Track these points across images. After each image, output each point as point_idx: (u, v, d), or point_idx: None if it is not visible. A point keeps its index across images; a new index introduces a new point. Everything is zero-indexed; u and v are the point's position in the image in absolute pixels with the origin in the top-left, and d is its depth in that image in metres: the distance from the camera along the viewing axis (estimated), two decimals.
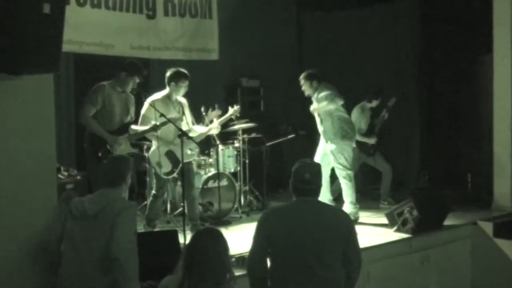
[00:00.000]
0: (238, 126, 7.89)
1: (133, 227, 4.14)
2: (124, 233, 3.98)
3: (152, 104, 6.14)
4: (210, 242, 3.29)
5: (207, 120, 7.25)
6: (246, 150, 8.16)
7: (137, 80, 6.05)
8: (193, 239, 3.38)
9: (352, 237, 3.92)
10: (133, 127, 6.19)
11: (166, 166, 6.42)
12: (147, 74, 8.38)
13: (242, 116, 7.97)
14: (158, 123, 6.10)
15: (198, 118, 7.34)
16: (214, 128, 6.84)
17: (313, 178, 3.89)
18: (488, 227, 6.93)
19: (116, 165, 4.38)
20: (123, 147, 5.96)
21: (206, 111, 7.33)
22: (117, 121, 5.98)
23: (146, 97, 6.23)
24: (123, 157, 4.64)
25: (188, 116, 6.63)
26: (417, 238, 6.41)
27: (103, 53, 7.21)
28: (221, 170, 7.48)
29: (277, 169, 8.58)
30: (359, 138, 8.07)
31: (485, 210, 7.61)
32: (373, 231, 6.64)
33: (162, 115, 5.98)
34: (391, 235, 6.45)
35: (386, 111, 8.18)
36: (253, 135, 8.28)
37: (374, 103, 8.24)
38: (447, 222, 6.87)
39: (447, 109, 9.59)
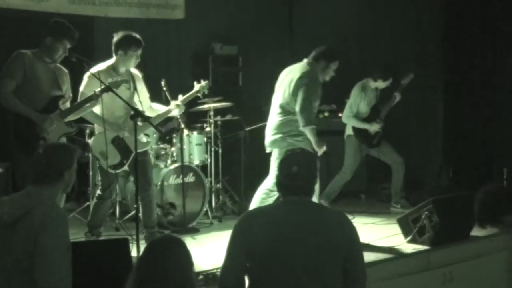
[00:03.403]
0: (209, 105, 7.85)
1: (63, 245, 3.95)
2: (53, 258, 3.81)
3: (95, 75, 6.06)
4: (169, 255, 3.27)
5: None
6: (219, 137, 8.14)
7: (68, 45, 5.96)
8: (146, 250, 3.36)
9: (355, 249, 3.93)
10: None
11: (114, 157, 6.35)
12: (91, 39, 8.35)
13: (214, 93, 7.93)
14: (97, 90, 6.00)
15: (158, 95, 7.29)
16: (175, 108, 6.74)
17: (302, 172, 3.89)
18: None
19: (51, 156, 4.19)
20: (55, 127, 5.88)
21: (168, 85, 7.28)
22: (44, 98, 5.90)
23: (90, 66, 6.16)
24: (62, 146, 4.50)
25: (143, 93, 6.56)
26: (437, 251, 6.42)
27: (33, 8, 7.13)
28: (186, 162, 7.45)
29: (259, 161, 8.53)
30: (357, 124, 8.09)
31: None
32: (382, 241, 6.66)
33: (106, 87, 5.89)
34: (405, 246, 6.47)
35: (399, 91, 8.19)
36: (229, 117, 8.26)
37: (380, 84, 8.19)
38: (476, 230, 6.91)
39: (477, 87, 9.64)
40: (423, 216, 6.45)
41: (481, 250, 6.82)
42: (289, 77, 6.66)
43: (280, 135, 6.60)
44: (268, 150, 6.73)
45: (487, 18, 9.39)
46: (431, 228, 6.40)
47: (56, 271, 3.81)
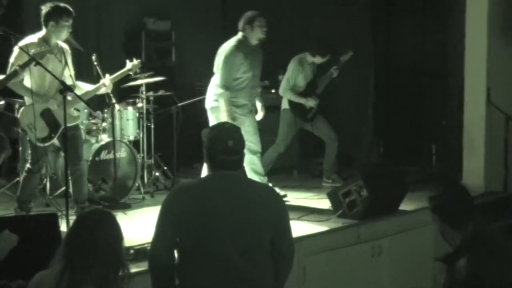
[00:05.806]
0: (141, 80, 7.81)
1: None
2: None
3: (24, 49, 5.98)
4: (98, 228, 3.26)
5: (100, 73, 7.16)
6: (151, 112, 8.10)
7: None
8: (75, 223, 3.35)
9: (283, 221, 3.97)
10: None
11: (42, 130, 6.28)
12: (20, 13, 8.20)
13: (147, 68, 7.89)
14: (20, 63, 5.92)
15: (89, 71, 7.22)
16: (104, 86, 6.71)
17: (238, 146, 3.90)
18: None
19: None
20: None
21: (99, 60, 7.20)
22: None
23: (18, 40, 6.07)
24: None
25: (71, 68, 6.51)
26: (366, 224, 6.54)
27: None
28: (118, 137, 7.41)
29: (192, 136, 8.55)
30: (293, 97, 8.13)
31: None
32: (312, 216, 6.73)
33: (31, 58, 5.81)
34: (335, 221, 6.55)
35: (337, 68, 8.23)
36: (161, 92, 8.22)
37: (318, 59, 8.23)
38: (404, 205, 7.04)
39: (407, 64, 9.79)
40: (353, 191, 6.53)
41: (409, 224, 6.96)
42: None
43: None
44: None
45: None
46: (360, 202, 6.49)
47: None
